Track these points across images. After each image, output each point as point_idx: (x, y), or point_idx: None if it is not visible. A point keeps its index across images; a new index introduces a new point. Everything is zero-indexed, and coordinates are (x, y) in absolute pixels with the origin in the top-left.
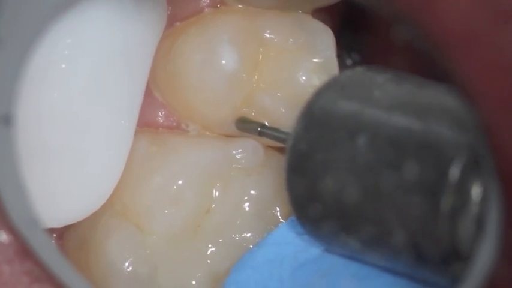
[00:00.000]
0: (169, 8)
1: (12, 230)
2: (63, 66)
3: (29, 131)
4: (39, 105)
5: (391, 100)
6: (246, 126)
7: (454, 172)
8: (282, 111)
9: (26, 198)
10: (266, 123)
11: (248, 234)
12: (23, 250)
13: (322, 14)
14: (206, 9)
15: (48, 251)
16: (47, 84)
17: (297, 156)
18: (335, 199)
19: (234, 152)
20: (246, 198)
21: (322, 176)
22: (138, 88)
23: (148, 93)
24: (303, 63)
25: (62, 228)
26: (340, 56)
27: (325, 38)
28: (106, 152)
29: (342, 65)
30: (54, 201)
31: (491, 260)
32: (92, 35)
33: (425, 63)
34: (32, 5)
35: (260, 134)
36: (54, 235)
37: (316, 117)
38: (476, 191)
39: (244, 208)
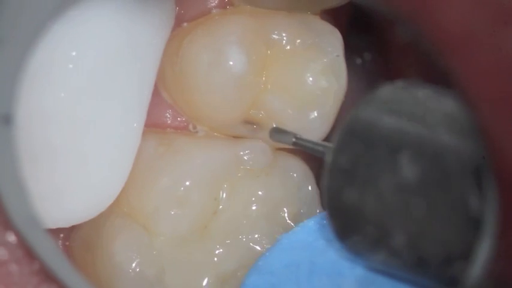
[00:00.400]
0: (177, 8)
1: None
2: (69, 66)
3: (34, 132)
4: (45, 105)
5: (433, 117)
6: (280, 137)
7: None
8: (290, 112)
9: (26, 199)
10: (273, 125)
11: (255, 236)
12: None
13: (330, 15)
14: (214, 10)
15: (50, 252)
16: (52, 84)
17: (338, 171)
18: (376, 215)
19: (241, 153)
20: (253, 199)
21: (365, 193)
22: (145, 88)
23: (156, 93)
24: (310, 64)
25: (68, 228)
26: (350, 56)
27: (333, 39)
28: (113, 153)
29: (352, 65)
30: (61, 201)
31: (489, 261)
32: (98, 34)
33: (428, 64)
34: (32, 5)
35: (295, 144)
36: (61, 235)
37: (358, 131)
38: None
39: (252, 209)
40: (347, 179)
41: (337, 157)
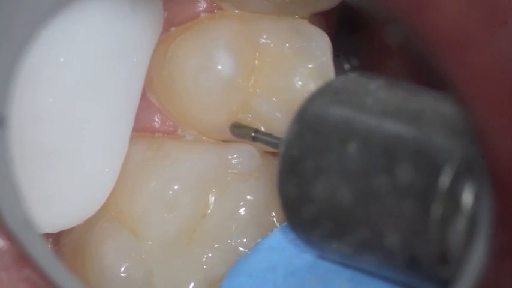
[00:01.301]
0: (165, 13)
1: (8, 234)
2: (60, 69)
3: (24, 134)
4: (35, 108)
5: (383, 107)
6: (240, 131)
7: (445, 180)
8: (278, 116)
9: (20, 201)
10: (262, 128)
11: (244, 240)
12: (21, 256)
13: (319, 18)
14: (202, 14)
15: (44, 256)
16: (42, 86)
17: (289, 162)
18: (327, 205)
19: (230, 157)
20: (242, 203)
21: (314, 182)
22: (134, 92)
23: (145, 97)
24: (299, 68)
25: (57, 233)
26: (337, 60)
27: (321, 43)
28: (101, 157)
29: (340, 69)
30: (50, 206)
31: (482, 262)
32: (88, 37)
33: (421, 66)
34: (25, 7)
35: (254, 139)
36: (50, 240)
37: (308, 122)
38: (467, 196)
39: (240, 213)
40: (297, 168)
41: (288, 148)
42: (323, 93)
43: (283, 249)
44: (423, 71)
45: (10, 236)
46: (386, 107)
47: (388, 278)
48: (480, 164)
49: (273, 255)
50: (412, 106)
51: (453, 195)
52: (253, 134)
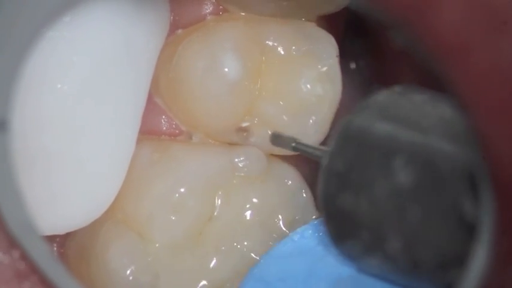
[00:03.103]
0: (172, 15)
1: (9, 244)
2: (63, 71)
3: (28, 138)
4: (39, 111)
5: (429, 122)
6: (280, 140)
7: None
8: (285, 119)
9: (23, 206)
10: (269, 132)
11: (250, 243)
12: (21, 271)
13: (327, 21)
14: (209, 17)
15: (47, 261)
16: (46, 89)
17: (333, 176)
18: (370, 219)
19: (236, 160)
20: (248, 206)
21: (358, 197)
22: (140, 94)
23: (151, 100)
24: (305, 71)
25: (63, 236)
26: (345, 62)
27: (328, 46)
28: (107, 159)
29: (347, 71)
30: (56, 208)
31: (485, 267)
32: (93, 39)
33: (424, 70)
34: (28, 9)
35: (294, 149)
36: (56, 242)
37: (353, 137)
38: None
39: (247, 216)
40: (342, 184)
41: (332, 161)
42: (368, 107)
43: (302, 254)
44: (426, 75)
45: (12, 245)
46: (432, 123)
47: (400, 283)
48: (482, 169)
49: (291, 261)
50: (457, 122)
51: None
52: (293, 144)
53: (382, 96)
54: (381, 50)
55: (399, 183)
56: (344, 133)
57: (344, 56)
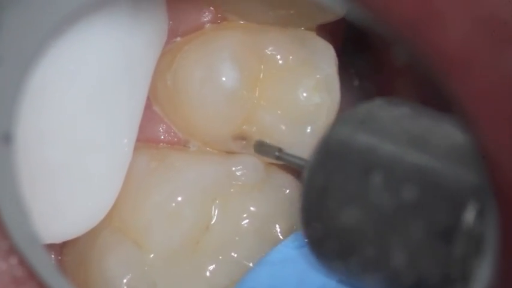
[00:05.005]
0: (170, 23)
1: (8, 254)
2: (66, 84)
3: (29, 147)
4: (40, 121)
5: (408, 136)
6: (264, 149)
7: (468, 218)
8: (283, 128)
9: (26, 217)
10: (267, 141)
11: (248, 252)
12: (19, 277)
13: (326, 31)
14: (207, 25)
15: (47, 270)
16: (47, 101)
17: (313, 189)
18: (349, 234)
19: (234, 168)
20: (245, 215)
21: (338, 211)
22: (137, 103)
23: (150, 108)
24: (303, 80)
25: (60, 244)
26: (345, 75)
27: (326, 55)
28: (105, 168)
29: (347, 84)
30: (53, 217)
31: (489, 283)
32: (93, 52)
33: (427, 85)
34: (32, 22)
35: (278, 158)
36: (53, 251)
37: (332, 150)
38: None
39: (244, 225)
40: (321, 197)
41: (312, 175)
42: (348, 120)
43: (293, 262)
44: (429, 90)
45: (10, 252)
46: (410, 137)
47: None
48: (486, 185)
49: (281, 270)
50: (436, 137)
51: (474, 231)
52: (277, 153)
53: (362, 109)
54: (384, 65)
55: (377, 198)
56: (324, 146)
57: (347, 73)
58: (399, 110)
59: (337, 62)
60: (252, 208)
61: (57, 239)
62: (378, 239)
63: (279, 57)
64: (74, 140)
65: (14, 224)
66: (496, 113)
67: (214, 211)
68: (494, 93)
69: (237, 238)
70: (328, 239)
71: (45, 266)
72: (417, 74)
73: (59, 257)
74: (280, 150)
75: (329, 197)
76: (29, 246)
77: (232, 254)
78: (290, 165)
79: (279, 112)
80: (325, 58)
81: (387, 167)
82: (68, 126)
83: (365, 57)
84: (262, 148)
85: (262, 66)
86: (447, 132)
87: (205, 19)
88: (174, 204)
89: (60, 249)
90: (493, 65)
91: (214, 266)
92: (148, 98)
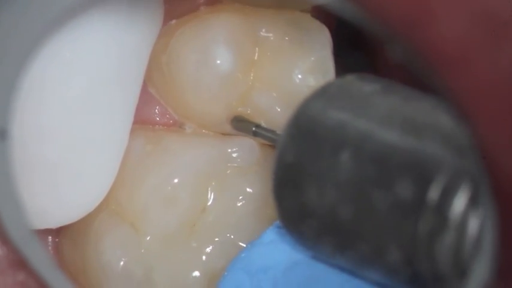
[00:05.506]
0: (165, 5)
1: (5, 240)
2: (62, 79)
3: (26, 137)
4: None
5: (377, 113)
6: (241, 125)
7: (433, 194)
8: (278, 110)
9: (21, 210)
10: (262, 124)
11: (244, 233)
12: (16, 261)
13: (321, 13)
14: (202, 7)
15: (42, 262)
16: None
17: (283, 166)
18: (319, 213)
19: (229, 150)
20: (241, 197)
21: (308, 189)
22: (133, 88)
23: (145, 90)
24: (298, 62)
25: (57, 228)
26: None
27: (321, 37)
28: (102, 152)
29: None
30: (50, 202)
31: (486, 280)
32: (88, 45)
33: (423, 83)
34: (27, 19)
35: (255, 134)
36: (50, 236)
37: (302, 127)
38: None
39: (240, 207)
40: (292, 174)
41: (283, 151)
42: (319, 96)
43: (283, 242)
44: (424, 88)
45: (7, 242)
46: (380, 114)
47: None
48: (482, 181)
49: (273, 250)
50: (406, 113)
51: (441, 208)
52: (254, 128)
53: (333, 86)
54: (379, 64)
55: (345, 176)
56: (294, 123)
57: (342, 72)
58: (370, 86)
59: (331, 44)
60: (248, 189)
61: (54, 224)
62: (347, 217)
63: (273, 39)
64: (72, 132)
65: (8, 217)
66: (493, 108)
67: (211, 193)
68: (490, 89)
69: (233, 220)
70: (299, 217)
71: (41, 259)
72: (413, 72)
73: (56, 239)
74: (258, 126)
75: (299, 174)
76: (24, 241)
77: (229, 235)
78: (266, 141)
79: (274, 94)
80: (319, 40)
81: (356, 144)
82: (65, 119)
83: (360, 56)
84: (239, 124)
85: (257, 49)
86: (417, 109)
87: (200, 1)
88: (170, 187)
89: (57, 232)
90: (491, 62)
91: (211, 247)
92: (144, 81)
